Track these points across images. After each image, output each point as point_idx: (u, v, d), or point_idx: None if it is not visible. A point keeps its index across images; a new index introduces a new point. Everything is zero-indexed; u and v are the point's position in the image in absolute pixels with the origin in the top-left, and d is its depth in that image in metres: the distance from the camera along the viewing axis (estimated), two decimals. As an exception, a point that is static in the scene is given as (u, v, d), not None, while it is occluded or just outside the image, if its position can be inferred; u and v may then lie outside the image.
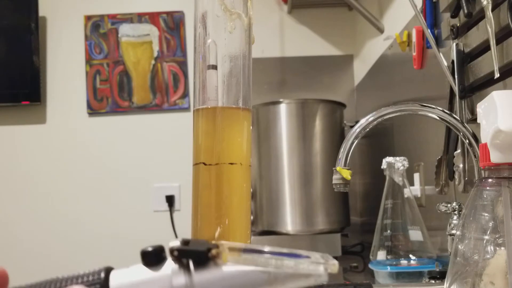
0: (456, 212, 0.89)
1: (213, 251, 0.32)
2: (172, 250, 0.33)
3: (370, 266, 1.22)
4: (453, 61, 0.98)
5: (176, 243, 0.33)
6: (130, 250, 2.33)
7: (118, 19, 2.41)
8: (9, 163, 2.36)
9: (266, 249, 0.33)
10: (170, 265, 0.33)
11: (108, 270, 0.33)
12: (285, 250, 0.33)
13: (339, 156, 0.85)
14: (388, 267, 1.16)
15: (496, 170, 0.54)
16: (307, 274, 0.33)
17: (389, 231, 1.22)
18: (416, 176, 1.27)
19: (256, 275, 0.32)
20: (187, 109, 2.38)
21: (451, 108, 1.02)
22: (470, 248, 0.54)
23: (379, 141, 1.88)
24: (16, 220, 2.33)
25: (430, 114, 0.87)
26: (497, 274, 0.51)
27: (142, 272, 0.33)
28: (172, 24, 2.41)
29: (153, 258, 0.33)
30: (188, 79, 2.40)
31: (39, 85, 2.32)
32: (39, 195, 2.34)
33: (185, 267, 0.32)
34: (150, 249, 0.33)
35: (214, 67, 0.58)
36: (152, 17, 2.41)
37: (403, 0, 1.41)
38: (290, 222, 1.77)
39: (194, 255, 0.32)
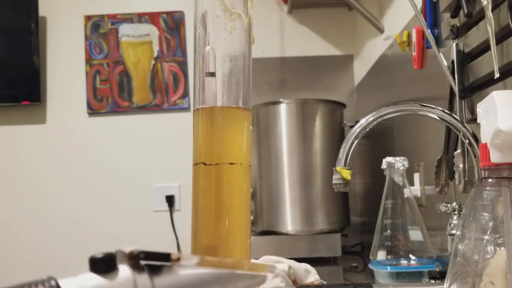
0: (456, 212, 0.89)
1: (174, 255, 0.33)
2: (134, 254, 0.32)
3: (370, 266, 1.22)
4: (453, 61, 0.98)
5: (133, 247, 0.32)
6: (130, 250, 2.34)
7: (118, 19, 2.41)
8: (9, 163, 2.36)
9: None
10: (125, 271, 0.31)
11: (55, 279, 0.30)
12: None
13: (339, 156, 0.85)
14: (388, 267, 1.16)
15: (496, 170, 0.54)
16: (253, 275, 0.35)
17: (389, 231, 1.22)
18: (416, 176, 1.27)
19: (211, 276, 0.34)
20: (187, 109, 2.38)
21: (451, 108, 1.02)
22: (470, 248, 0.54)
23: (379, 141, 1.88)
24: (16, 220, 2.33)
25: (430, 114, 0.87)
26: (497, 274, 0.51)
27: (96, 279, 0.31)
28: (172, 24, 2.41)
29: (104, 265, 0.31)
30: (188, 79, 2.40)
31: (39, 85, 2.33)
32: (39, 195, 2.34)
33: (146, 272, 0.32)
34: (100, 255, 0.31)
35: (213, 75, 0.58)
36: (152, 17, 2.41)
37: (403, 0, 1.41)
38: (290, 222, 1.77)
39: (159, 258, 0.32)
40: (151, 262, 0.32)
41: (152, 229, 2.32)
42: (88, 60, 2.39)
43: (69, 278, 0.31)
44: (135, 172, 2.36)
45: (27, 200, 2.34)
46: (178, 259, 0.33)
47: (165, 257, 0.32)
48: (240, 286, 0.36)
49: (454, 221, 0.89)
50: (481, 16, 0.85)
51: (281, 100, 1.84)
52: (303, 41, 2.40)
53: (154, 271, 0.32)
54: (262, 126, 1.85)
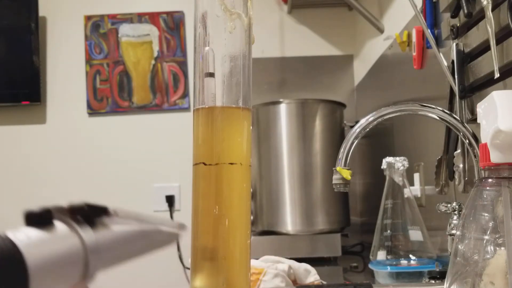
0: (456, 212, 0.89)
1: (111, 210, 0.35)
2: (78, 208, 0.33)
3: (370, 266, 1.22)
4: (453, 61, 0.98)
5: (71, 203, 0.33)
6: (130, 250, 2.34)
7: (118, 19, 2.41)
8: (9, 163, 2.36)
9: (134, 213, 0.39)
10: (62, 225, 0.32)
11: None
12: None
13: (339, 156, 0.85)
14: (388, 267, 1.16)
15: (496, 170, 0.54)
16: (170, 232, 0.41)
17: (389, 231, 1.22)
18: (416, 176, 1.27)
19: (139, 231, 0.38)
20: (187, 109, 2.38)
21: (451, 108, 1.02)
22: (470, 248, 0.54)
23: (379, 141, 1.88)
24: (15, 220, 2.32)
25: (430, 114, 0.87)
26: (497, 274, 0.51)
27: (39, 232, 0.31)
28: (172, 24, 2.41)
29: (40, 219, 0.32)
30: (188, 79, 2.40)
31: (39, 85, 2.33)
32: (39, 195, 2.34)
33: (84, 226, 0.33)
34: (37, 210, 0.33)
35: (212, 75, 0.58)
36: (152, 17, 2.41)
37: (403, 0, 1.41)
38: (290, 222, 1.77)
39: (101, 212, 0.34)
40: (89, 216, 0.34)
41: (152, 229, 2.32)
42: (88, 60, 2.39)
43: (10, 232, 0.32)
44: (135, 172, 2.36)
45: (27, 200, 2.34)
46: (115, 214, 0.35)
47: (103, 211, 0.34)
48: (158, 240, 0.40)
49: (454, 221, 0.89)
50: (481, 16, 0.85)
51: (281, 100, 1.84)
52: (303, 41, 2.40)
53: (92, 225, 0.34)
54: (262, 126, 1.85)
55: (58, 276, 0.31)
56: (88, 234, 0.33)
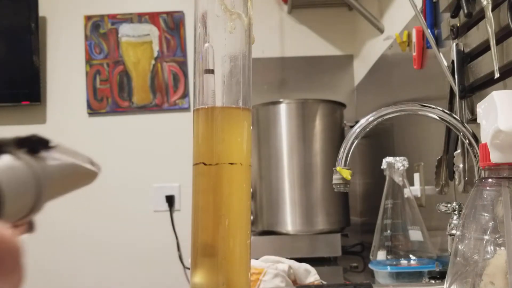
0: (456, 212, 0.89)
1: (53, 143, 0.36)
2: (24, 139, 0.33)
3: (370, 266, 1.22)
4: (453, 61, 0.98)
5: (18, 135, 0.33)
6: (130, 250, 2.33)
7: (118, 19, 2.41)
8: (9, 163, 2.36)
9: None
10: (9, 155, 0.31)
11: None
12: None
13: (339, 156, 0.85)
14: (388, 267, 1.16)
15: (496, 170, 0.54)
16: (94, 171, 0.43)
17: (389, 231, 1.22)
18: (416, 176, 1.27)
19: (77, 164, 0.40)
20: (187, 109, 2.38)
21: (451, 108, 1.02)
22: (470, 248, 0.54)
23: (379, 141, 1.88)
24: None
25: (430, 114, 0.87)
26: (497, 274, 0.51)
27: None
28: (172, 24, 2.41)
29: None
30: (188, 79, 2.40)
31: (39, 85, 2.33)
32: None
33: (34, 156, 0.33)
34: None
35: (211, 71, 0.58)
36: (152, 17, 2.41)
37: (403, 0, 1.41)
38: (290, 222, 1.77)
39: (45, 144, 0.35)
40: (35, 148, 0.34)
41: (152, 229, 2.32)
42: (88, 60, 2.39)
43: None
44: (135, 172, 2.35)
45: (27, 200, 2.34)
46: (56, 147, 0.36)
47: (47, 143, 0.35)
48: (86, 177, 0.43)
49: (454, 221, 0.89)
50: (481, 16, 0.85)
51: (281, 100, 1.84)
52: (303, 41, 2.40)
53: (38, 156, 0.34)
54: (262, 126, 1.85)
55: (19, 204, 0.31)
56: (37, 165, 0.33)
